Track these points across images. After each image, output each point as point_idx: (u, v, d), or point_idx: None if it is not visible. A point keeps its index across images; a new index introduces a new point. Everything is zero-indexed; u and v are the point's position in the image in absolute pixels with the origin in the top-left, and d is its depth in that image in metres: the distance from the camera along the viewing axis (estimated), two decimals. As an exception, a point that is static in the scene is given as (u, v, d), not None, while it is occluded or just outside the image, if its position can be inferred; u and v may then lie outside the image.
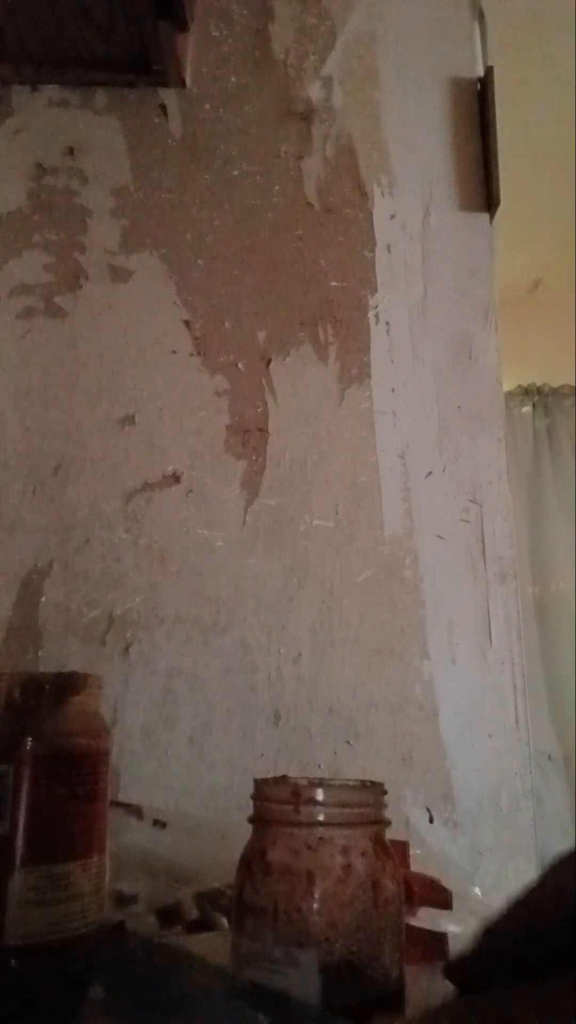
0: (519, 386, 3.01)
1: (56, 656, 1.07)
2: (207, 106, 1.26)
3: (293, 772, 1.02)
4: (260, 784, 0.57)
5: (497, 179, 1.27)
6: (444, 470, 1.19)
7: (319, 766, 1.05)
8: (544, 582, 2.74)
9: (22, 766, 0.51)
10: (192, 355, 1.18)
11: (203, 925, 0.80)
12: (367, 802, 0.56)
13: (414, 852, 0.87)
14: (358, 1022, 0.50)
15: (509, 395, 2.88)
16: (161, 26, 1.12)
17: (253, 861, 0.55)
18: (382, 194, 1.26)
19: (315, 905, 0.52)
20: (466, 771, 1.07)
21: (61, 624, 1.08)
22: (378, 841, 0.56)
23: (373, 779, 0.58)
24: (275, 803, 0.55)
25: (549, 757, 2.27)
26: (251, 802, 0.57)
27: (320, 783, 0.57)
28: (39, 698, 0.55)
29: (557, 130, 2.12)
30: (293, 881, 0.53)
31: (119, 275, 1.20)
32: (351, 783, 0.59)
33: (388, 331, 1.22)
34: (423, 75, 1.33)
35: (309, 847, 0.54)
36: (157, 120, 1.25)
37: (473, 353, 1.24)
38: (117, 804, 0.92)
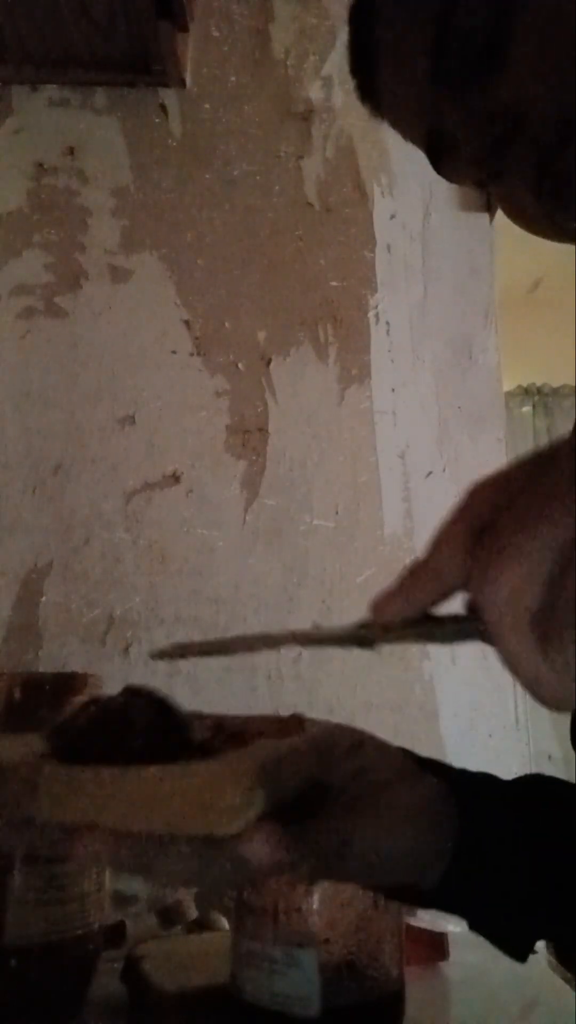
0: (519, 386, 3.01)
1: (56, 656, 1.07)
2: (207, 106, 1.26)
3: (293, 772, 1.02)
4: (260, 784, 0.57)
5: (497, 179, 1.27)
6: (444, 470, 1.19)
7: (319, 766, 1.05)
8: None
9: (22, 766, 0.51)
10: (192, 355, 1.18)
11: (203, 925, 0.80)
12: (367, 802, 0.56)
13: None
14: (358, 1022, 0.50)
15: (509, 395, 2.88)
16: (161, 26, 1.12)
17: (253, 861, 0.55)
18: (382, 194, 1.26)
19: (315, 905, 0.52)
20: (466, 771, 1.07)
21: (61, 624, 1.08)
22: (378, 841, 0.56)
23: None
24: (275, 803, 0.55)
25: (549, 757, 2.26)
26: (251, 802, 0.57)
27: (320, 783, 0.57)
28: (39, 698, 0.55)
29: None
30: (293, 881, 0.53)
31: (119, 275, 1.20)
32: (351, 783, 0.58)
33: (388, 331, 1.22)
34: (423, 75, 1.32)
35: (309, 847, 0.53)
36: (157, 120, 1.25)
37: (473, 353, 1.24)
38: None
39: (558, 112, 0.44)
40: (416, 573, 0.30)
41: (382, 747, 0.42)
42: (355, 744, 0.41)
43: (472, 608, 0.29)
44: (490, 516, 0.28)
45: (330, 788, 0.37)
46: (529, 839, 0.42)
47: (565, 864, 0.41)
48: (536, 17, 0.44)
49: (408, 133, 0.54)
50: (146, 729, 0.34)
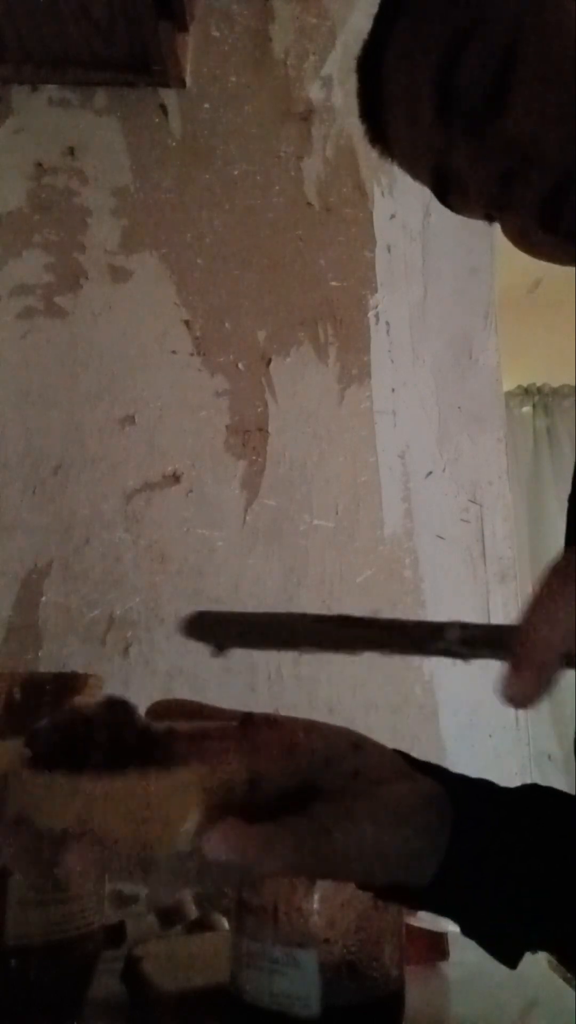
0: (519, 386, 3.01)
1: (56, 656, 1.07)
2: (207, 106, 1.26)
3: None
4: (260, 784, 0.57)
5: (497, 179, 1.27)
6: (444, 470, 1.19)
7: (319, 766, 1.05)
8: (544, 582, 2.73)
9: (22, 766, 0.51)
10: (192, 355, 1.18)
11: (203, 925, 0.80)
12: (367, 802, 0.56)
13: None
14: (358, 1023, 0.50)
15: (509, 395, 2.88)
16: (161, 26, 1.12)
17: (253, 861, 0.55)
18: (382, 194, 1.26)
19: (315, 905, 0.52)
20: (466, 771, 1.07)
21: (61, 624, 1.08)
22: (378, 841, 0.56)
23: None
24: (275, 803, 0.55)
25: (549, 757, 2.26)
26: (251, 802, 0.57)
27: (320, 783, 0.57)
28: (39, 698, 0.55)
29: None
30: (293, 881, 0.53)
31: (119, 275, 1.20)
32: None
33: (388, 331, 1.22)
34: (423, 75, 1.32)
35: (309, 847, 0.53)
36: (157, 120, 1.25)
37: (473, 353, 1.24)
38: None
39: (560, 147, 0.48)
40: (536, 650, 0.31)
41: (379, 749, 0.43)
42: (354, 745, 0.41)
43: None
44: None
45: (324, 789, 0.37)
46: (524, 846, 0.42)
47: (559, 873, 0.41)
48: (537, 59, 0.47)
49: (416, 172, 0.58)
50: (108, 738, 0.36)
